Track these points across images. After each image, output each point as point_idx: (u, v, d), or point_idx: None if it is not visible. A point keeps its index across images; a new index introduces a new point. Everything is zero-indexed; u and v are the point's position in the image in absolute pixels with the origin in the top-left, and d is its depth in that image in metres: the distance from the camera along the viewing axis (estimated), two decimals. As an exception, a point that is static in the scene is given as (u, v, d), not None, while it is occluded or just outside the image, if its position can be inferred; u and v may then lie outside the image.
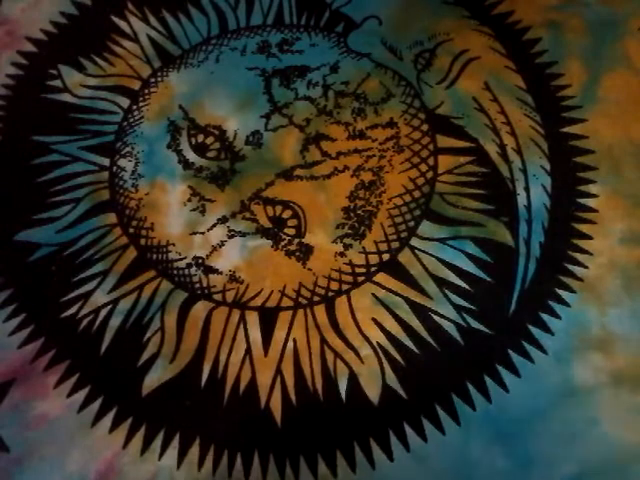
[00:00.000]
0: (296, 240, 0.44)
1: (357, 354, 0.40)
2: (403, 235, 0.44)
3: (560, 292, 0.41)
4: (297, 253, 0.43)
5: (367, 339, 0.40)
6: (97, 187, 0.46)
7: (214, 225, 0.44)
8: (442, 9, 0.50)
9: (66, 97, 0.49)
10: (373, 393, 0.39)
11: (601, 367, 0.38)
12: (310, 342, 0.40)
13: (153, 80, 0.50)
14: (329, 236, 0.44)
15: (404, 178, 0.44)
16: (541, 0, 0.49)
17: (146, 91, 0.49)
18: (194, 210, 0.45)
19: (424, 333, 0.40)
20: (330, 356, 0.40)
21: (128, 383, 0.40)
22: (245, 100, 0.48)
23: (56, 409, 0.39)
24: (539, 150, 0.45)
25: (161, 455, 0.38)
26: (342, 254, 0.43)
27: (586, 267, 0.42)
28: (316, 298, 0.42)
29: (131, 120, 0.48)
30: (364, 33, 0.50)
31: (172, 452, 0.38)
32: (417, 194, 0.44)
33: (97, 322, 0.42)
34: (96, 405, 0.39)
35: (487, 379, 0.39)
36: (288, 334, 0.41)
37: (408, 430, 0.38)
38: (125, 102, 0.49)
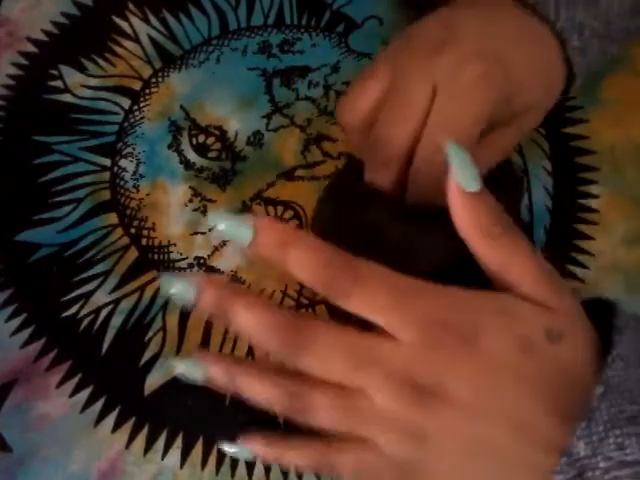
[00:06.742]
0: (298, 240, 0.44)
1: (359, 354, 0.40)
2: (405, 235, 0.44)
3: (561, 292, 0.41)
4: (299, 253, 0.43)
5: (369, 339, 0.40)
6: (98, 187, 0.46)
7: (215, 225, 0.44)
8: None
9: (67, 97, 0.49)
10: (375, 393, 0.39)
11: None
12: (312, 342, 0.40)
13: (154, 80, 0.50)
14: (330, 236, 0.44)
15: (405, 178, 0.44)
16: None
17: (147, 91, 0.49)
18: (195, 210, 0.45)
19: (426, 333, 0.40)
20: (332, 356, 0.40)
21: (130, 383, 0.40)
22: (246, 100, 0.48)
23: (58, 409, 0.39)
24: (540, 151, 0.45)
25: (164, 455, 0.38)
26: (343, 254, 0.43)
27: (588, 268, 0.42)
28: (318, 298, 0.42)
29: (132, 120, 0.48)
30: (365, 33, 0.50)
31: (175, 452, 0.38)
32: (418, 194, 0.44)
33: (98, 322, 0.42)
34: (99, 405, 0.39)
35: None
36: (290, 334, 0.41)
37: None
38: (126, 102, 0.49)
